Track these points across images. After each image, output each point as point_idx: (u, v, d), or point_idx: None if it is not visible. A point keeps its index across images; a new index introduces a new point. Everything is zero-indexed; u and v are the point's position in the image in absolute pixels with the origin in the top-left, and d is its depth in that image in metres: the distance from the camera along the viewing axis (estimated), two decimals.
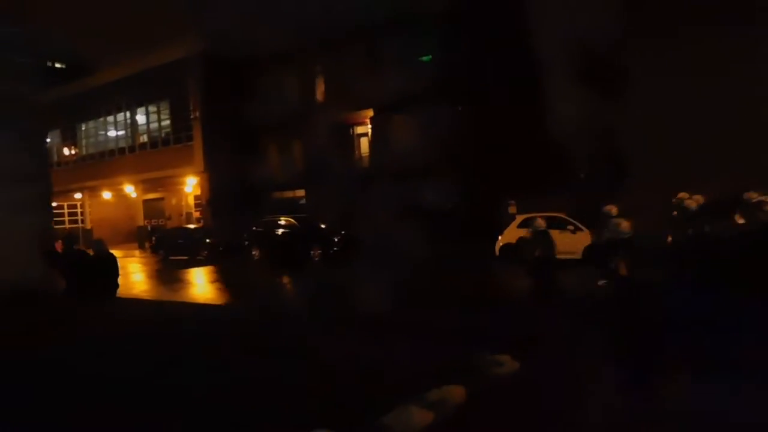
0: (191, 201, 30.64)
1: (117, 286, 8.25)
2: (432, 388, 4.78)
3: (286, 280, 15.32)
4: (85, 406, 4.99)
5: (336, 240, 19.73)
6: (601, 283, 7.18)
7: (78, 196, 33.08)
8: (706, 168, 14.65)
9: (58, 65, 36.33)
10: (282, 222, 22.68)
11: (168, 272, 18.27)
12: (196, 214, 30.24)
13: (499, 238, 16.00)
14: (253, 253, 21.40)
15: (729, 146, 14.81)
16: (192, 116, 27.78)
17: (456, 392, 4.82)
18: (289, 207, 25.86)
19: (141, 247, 29.52)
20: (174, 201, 32.21)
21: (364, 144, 25.32)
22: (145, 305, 10.79)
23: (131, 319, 8.64)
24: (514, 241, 15.74)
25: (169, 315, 9.67)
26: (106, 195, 33.24)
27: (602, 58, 18.84)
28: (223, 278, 16.70)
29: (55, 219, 22.31)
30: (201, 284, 15.60)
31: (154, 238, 25.99)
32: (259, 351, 6.49)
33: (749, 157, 14.40)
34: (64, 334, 7.70)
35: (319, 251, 19.35)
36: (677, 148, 16.02)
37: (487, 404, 4.76)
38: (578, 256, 14.08)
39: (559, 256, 13.95)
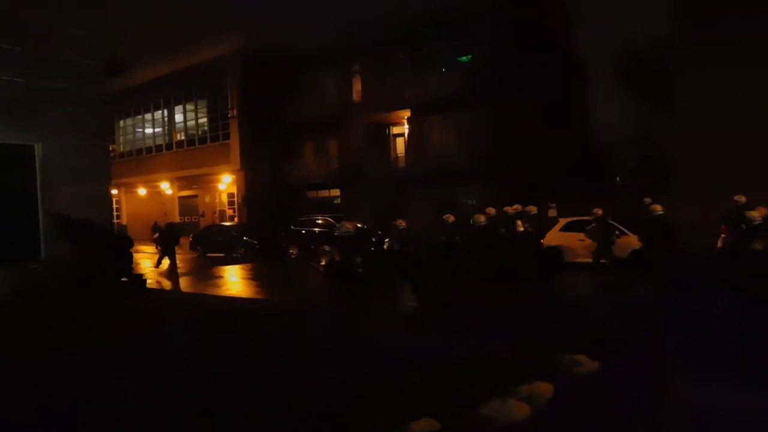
0: (225, 199, 31.00)
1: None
2: (521, 384, 4.95)
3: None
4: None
5: (373, 240, 19.84)
6: None
7: (114, 192, 33.66)
8: (750, 175, 14.54)
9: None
10: (319, 221, 22.90)
11: (213, 268, 18.49)
12: (230, 212, 30.59)
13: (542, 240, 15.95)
14: (291, 251, 21.62)
15: None
16: (229, 114, 28.16)
17: (545, 388, 4.99)
18: (325, 206, 26.12)
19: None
20: (207, 198, 32.64)
21: (400, 144, 25.44)
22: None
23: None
24: (556, 244, 15.73)
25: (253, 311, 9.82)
26: (142, 191, 33.84)
27: (647, 61, 18.73)
28: (272, 275, 16.94)
29: None
30: (258, 281, 15.82)
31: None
32: (357, 345, 6.66)
33: None
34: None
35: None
36: (721, 155, 15.85)
37: (574, 401, 4.93)
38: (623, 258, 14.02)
39: (603, 261, 14.08)
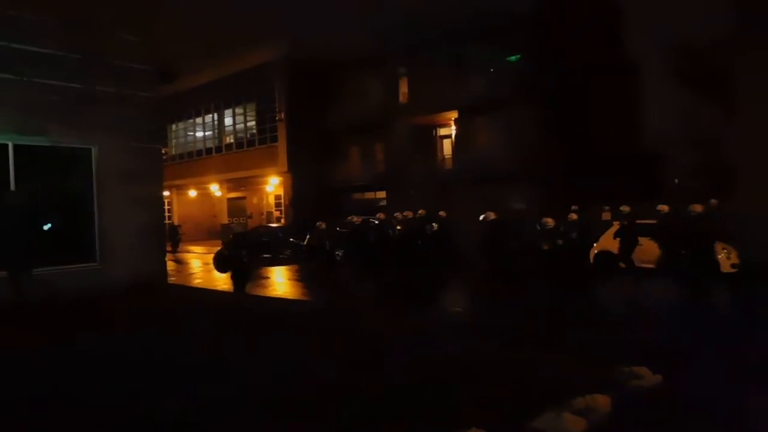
0: (272, 200, 31.39)
1: None
2: (577, 396, 4.70)
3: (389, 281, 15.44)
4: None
5: (419, 243, 19.67)
6: None
7: (166, 194, 34.53)
8: None
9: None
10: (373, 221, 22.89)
11: (262, 269, 18.65)
12: (276, 213, 30.93)
13: (594, 245, 15.47)
14: (337, 253, 21.61)
15: None
16: (277, 118, 28.48)
17: (602, 401, 4.72)
18: (371, 208, 26.06)
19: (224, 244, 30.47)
20: (255, 200, 33.13)
21: (447, 146, 25.21)
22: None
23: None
24: (610, 248, 15.22)
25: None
26: (192, 193, 34.58)
27: (706, 63, 18.02)
28: (318, 278, 17.01)
29: None
30: (308, 283, 15.92)
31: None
32: (409, 354, 6.54)
33: None
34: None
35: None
36: None
37: (633, 415, 4.66)
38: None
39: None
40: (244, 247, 16.90)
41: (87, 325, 8.26)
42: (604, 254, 15.35)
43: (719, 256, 13.44)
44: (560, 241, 11.72)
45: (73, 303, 9.15)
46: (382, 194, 26.91)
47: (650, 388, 5.20)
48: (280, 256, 22.89)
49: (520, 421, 4.35)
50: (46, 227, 8.74)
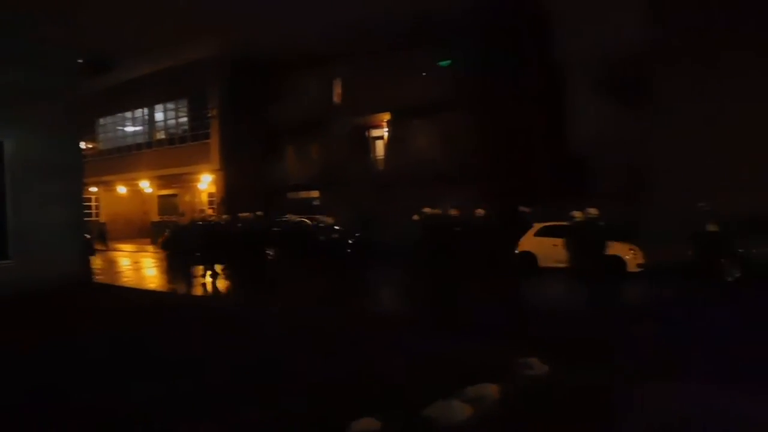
0: (205, 198, 30.86)
1: None
2: (468, 385, 4.98)
3: (309, 279, 15.54)
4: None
5: (351, 242, 19.87)
6: None
7: (93, 190, 33.39)
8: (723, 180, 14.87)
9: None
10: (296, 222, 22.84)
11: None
12: (210, 212, 30.44)
13: (517, 244, 16.09)
14: (268, 252, 21.55)
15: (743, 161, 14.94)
16: (210, 114, 28.06)
17: (492, 390, 5.01)
18: (305, 207, 26.06)
19: (154, 242, 29.76)
20: (188, 198, 32.46)
21: (380, 147, 25.52)
22: None
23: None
24: (530, 248, 15.87)
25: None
26: (121, 190, 33.57)
27: (627, 68, 18.96)
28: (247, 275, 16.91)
29: None
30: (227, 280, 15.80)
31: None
32: (307, 344, 6.68)
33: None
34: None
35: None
36: (693, 162, 16.16)
37: (520, 403, 4.94)
38: None
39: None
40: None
41: None
42: (525, 254, 16.00)
43: (626, 257, 14.30)
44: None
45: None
46: (315, 194, 26.95)
47: (538, 377, 5.53)
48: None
49: (412, 409, 4.54)
50: None
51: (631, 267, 14.25)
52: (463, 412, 4.60)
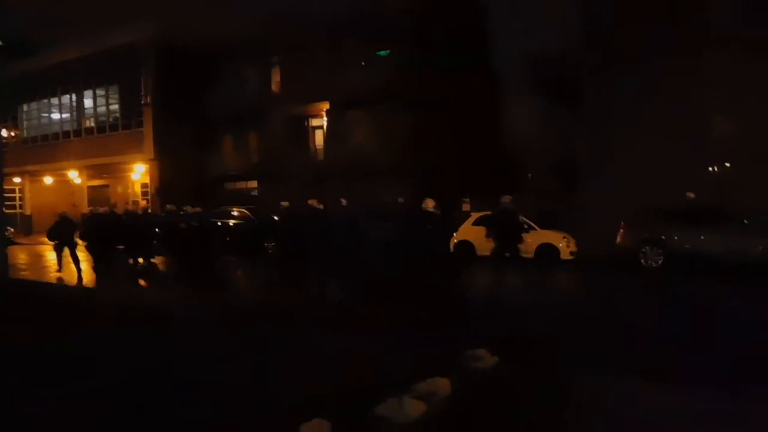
0: (138, 189, 29.81)
1: None
2: (419, 381, 4.88)
3: (246, 272, 15.32)
4: None
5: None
6: None
7: (17, 180, 31.72)
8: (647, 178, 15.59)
9: None
10: (234, 213, 22.38)
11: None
12: (143, 203, 29.42)
13: (455, 234, 16.32)
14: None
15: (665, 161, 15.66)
16: (143, 101, 27.07)
17: (442, 385, 4.94)
18: (242, 198, 25.56)
19: (81, 236, 28.54)
20: (120, 189, 31.25)
21: (319, 137, 25.28)
22: None
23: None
24: (468, 238, 16.13)
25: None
26: (48, 180, 31.99)
27: (556, 70, 19.47)
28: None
29: None
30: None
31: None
32: (250, 344, 6.54)
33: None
34: None
35: (273, 244, 19.22)
36: (621, 157, 16.82)
37: (472, 396, 4.90)
38: (530, 255, 14.54)
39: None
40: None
41: None
42: (463, 243, 16.26)
43: (559, 245, 14.76)
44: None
45: None
46: (254, 184, 26.50)
47: (487, 369, 5.47)
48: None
49: (363, 409, 4.39)
50: None
51: (564, 255, 14.71)
52: (416, 409, 4.50)
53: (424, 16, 20.99)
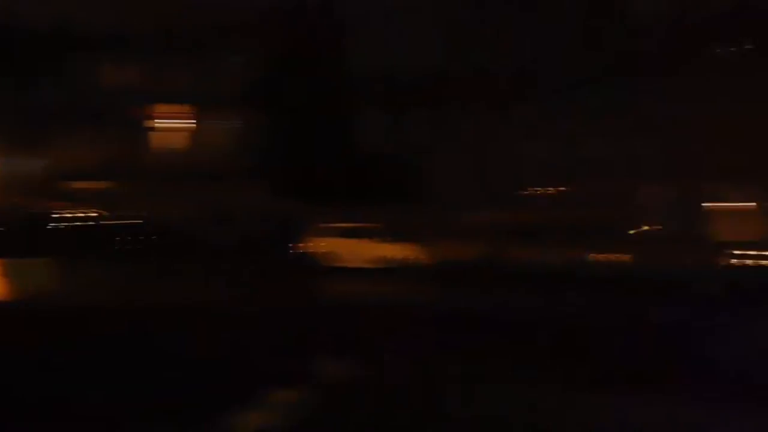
0: None
1: None
2: (269, 392, 5.00)
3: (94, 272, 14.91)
4: None
5: (136, 233, 19.60)
6: None
7: None
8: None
9: None
10: (79, 214, 21.59)
11: None
12: None
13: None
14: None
15: None
16: None
17: (291, 396, 5.04)
18: (88, 198, 24.40)
19: None
20: None
21: (170, 139, 24.78)
22: None
23: None
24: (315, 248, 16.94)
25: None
26: None
27: (410, 84, 20.77)
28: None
29: None
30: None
31: None
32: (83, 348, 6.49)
33: None
34: None
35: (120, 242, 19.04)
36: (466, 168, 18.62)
37: (321, 406, 5.00)
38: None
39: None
40: None
41: None
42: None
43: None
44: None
45: None
46: (101, 184, 25.28)
47: (341, 377, 5.69)
48: None
49: (211, 419, 4.40)
50: None
51: None
52: (265, 420, 4.53)
53: (286, 25, 21.45)
